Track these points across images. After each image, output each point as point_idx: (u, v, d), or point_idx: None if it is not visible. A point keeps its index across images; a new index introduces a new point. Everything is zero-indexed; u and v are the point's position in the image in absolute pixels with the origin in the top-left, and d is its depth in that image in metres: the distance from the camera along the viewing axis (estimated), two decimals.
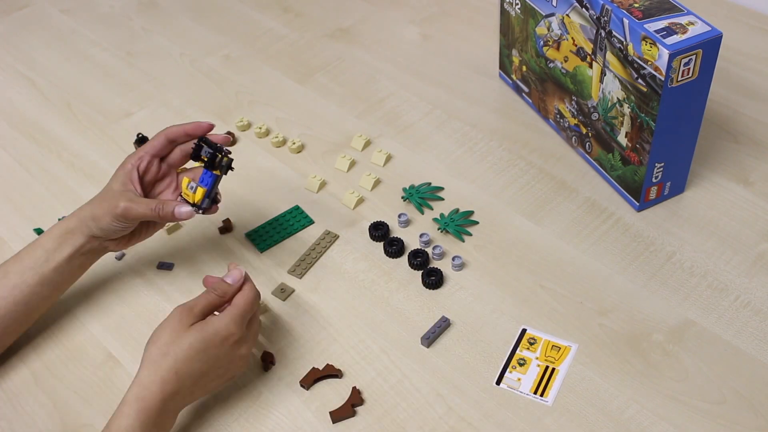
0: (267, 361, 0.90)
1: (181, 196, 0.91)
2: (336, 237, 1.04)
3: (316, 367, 0.89)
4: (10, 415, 0.88)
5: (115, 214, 0.88)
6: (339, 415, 0.85)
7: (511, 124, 1.18)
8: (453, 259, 0.98)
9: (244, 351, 0.83)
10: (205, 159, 0.90)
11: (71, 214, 0.92)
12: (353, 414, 0.85)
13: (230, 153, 0.90)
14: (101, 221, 0.89)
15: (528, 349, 0.90)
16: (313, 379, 0.88)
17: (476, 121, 1.19)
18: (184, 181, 0.91)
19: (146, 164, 0.93)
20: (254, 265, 1.01)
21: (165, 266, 1.02)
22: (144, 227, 0.95)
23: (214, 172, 0.90)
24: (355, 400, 0.86)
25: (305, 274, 1.00)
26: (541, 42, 1.09)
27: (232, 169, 0.90)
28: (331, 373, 0.88)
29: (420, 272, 0.98)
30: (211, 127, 0.93)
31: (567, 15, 1.01)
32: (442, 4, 1.44)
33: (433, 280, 0.96)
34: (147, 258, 1.03)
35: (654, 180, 1.01)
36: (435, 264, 0.99)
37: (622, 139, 1.01)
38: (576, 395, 0.86)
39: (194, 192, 0.90)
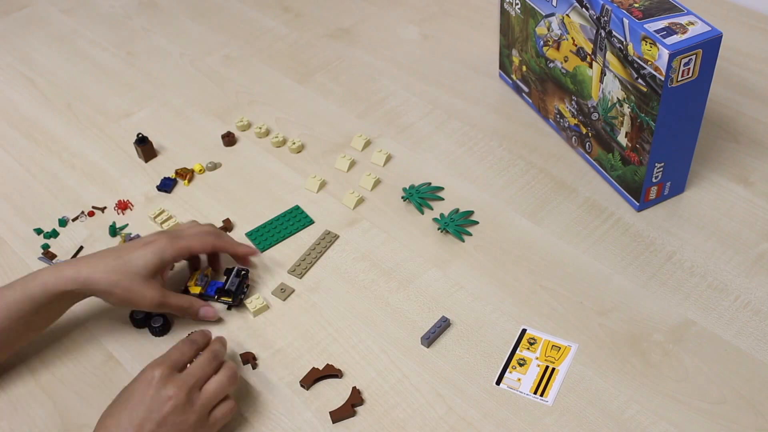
0: (248, 362, 0.90)
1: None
2: (336, 237, 1.04)
3: (316, 367, 0.89)
4: (10, 415, 0.88)
5: (140, 305, 0.88)
6: (339, 415, 0.85)
7: (511, 124, 1.18)
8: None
9: (171, 392, 0.78)
10: (226, 288, 0.95)
11: (78, 272, 0.86)
12: (353, 414, 0.85)
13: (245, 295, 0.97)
14: (117, 301, 0.88)
15: (528, 349, 0.90)
16: (313, 379, 0.88)
17: (476, 121, 1.19)
18: (197, 273, 0.97)
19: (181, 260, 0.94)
20: (254, 266, 1.01)
21: None
22: None
23: (223, 299, 0.96)
24: (355, 400, 0.86)
25: (305, 274, 1.00)
26: (541, 42, 1.09)
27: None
28: (331, 373, 0.88)
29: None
30: (256, 253, 0.99)
31: (567, 15, 1.01)
32: (442, 4, 1.44)
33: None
34: None
35: (654, 180, 1.01)
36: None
37: (622, 139, 1.01)
38: (576, 395, 0.86)
39: (198, 286, 0.96)
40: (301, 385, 0.88)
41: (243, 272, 0.97)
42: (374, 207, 1.08)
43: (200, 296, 0.95)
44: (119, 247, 0.91)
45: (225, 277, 0.96)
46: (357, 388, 0.87)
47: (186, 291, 0.95)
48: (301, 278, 1.00)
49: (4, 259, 1.05)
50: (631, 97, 0.95)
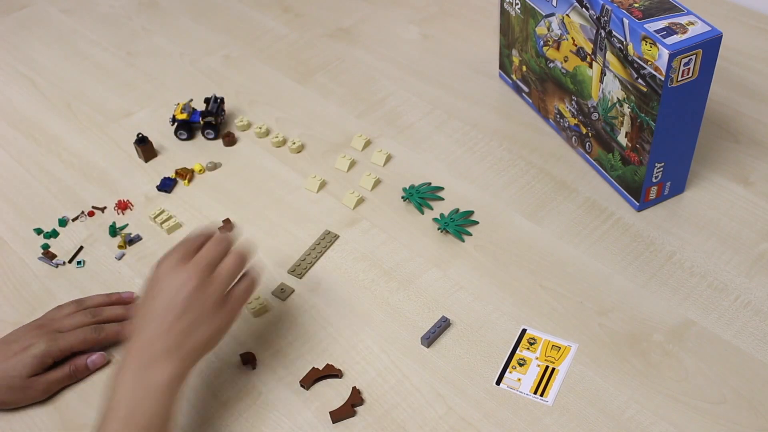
0: (249, 362, 0.90)
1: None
2: (336, 237, 1.04)
3: (316, 367, 0.89)
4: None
5: (33, 398, 0.87)
6: (339, 415, 0.85)
7: (511, 124, 1.18)
8: None
9: (184, 276, 0.79)
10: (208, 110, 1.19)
11: None
12: (353, 414, 0.85)
13: None
14: (13, 406, 0.87)
15: (528, 349, 0.90)
16: (313, 379, 0.88)
17: (476, 121, 1.19)
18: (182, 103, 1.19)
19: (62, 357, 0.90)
20: (254, 266, 1.01)
21: None
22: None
23: (207, 119, 1.19)
24: (355, 400, 0.86)
25: (305, 274, 1.00)
26: (541, 42, 1.09)
27: None
28: (331, 373, 0.88)
29: None
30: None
31: (567, 15, 1.01)
32: (442, 4, 1.44)
33: None
34: (147, 258, 1.03)
35: (654, 180, 1.01)
36: None
37: (622, 139, 1.01)
38: (576, 395, 0.86)
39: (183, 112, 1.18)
40: (301, 385, 0.88)
41: (219, 99, 1.20)
42: (374, 207, 1.08)
43: (186, 122, 1.18)
44: None
45: (205, 105, 1.19)
46: (357, 388, 0.87)
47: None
48: (301, 278, 1.00)
49: (4, 259, 1.05)
50: (631, 97, 0.95)
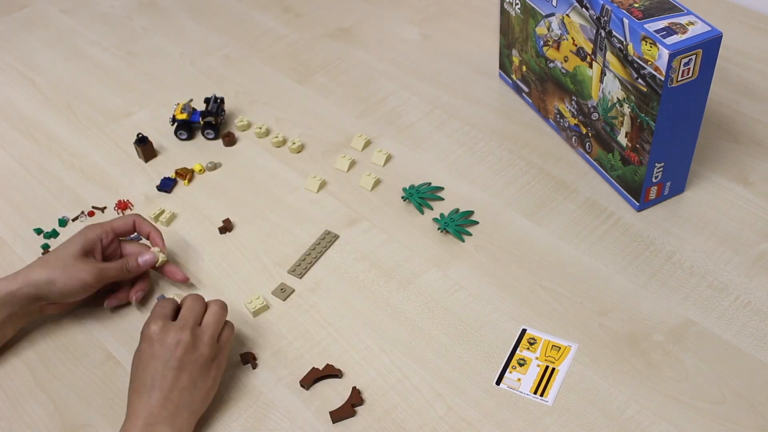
0: (248, 362, 0.90)
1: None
2: (336, 237, 1.04)
3: (316, 367, 0.89)
4: (10, 415, 0.88)
5: (83, 280, 0.89)
6: (339, 415, 0.85)
7: (511, 124, 1.18)
8: None
9: (175, 336, 0.82)
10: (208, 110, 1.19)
11: (16, 275, 0.89)
12: (353, 414, 0.85)
13: None
14: (62, 287, 0.89)
15: (528, 349, 0.90)
16: (313, 379, 0.88)
17: (476, 121, 1.19)
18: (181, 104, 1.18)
19: (109, 240, 0.95)
20: (254, 266, 1.02)
21: None
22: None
23: (207, 119, 1.19)
24: (355, 400, 0.86)
25: (305, 274, 1.00)
26: (541, 42, 1.09)
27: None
28: (331, 373, 0.88)
29: None
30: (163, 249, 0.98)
31: (567, 15, 1.01)
32: (442, 4, 1.44)
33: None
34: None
35: (654, 180, 1.01)
36: None
37: (622, 139, 1.01)
38: (576, 395, 0.86)
39: (183, 112, 1.18)
40: (301, 385, 0.88)
41: (219, 99, 1.20)
42: (374, 207, 1.08)
43: (186, 122, 1.17)
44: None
45: (205, 105, 1.20)
46: (357, 388, 0.87)
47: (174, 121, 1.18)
48: (301, 278, 1.00)
49: (4, 259, 1.05)
50: (631, 97, 0.95)
